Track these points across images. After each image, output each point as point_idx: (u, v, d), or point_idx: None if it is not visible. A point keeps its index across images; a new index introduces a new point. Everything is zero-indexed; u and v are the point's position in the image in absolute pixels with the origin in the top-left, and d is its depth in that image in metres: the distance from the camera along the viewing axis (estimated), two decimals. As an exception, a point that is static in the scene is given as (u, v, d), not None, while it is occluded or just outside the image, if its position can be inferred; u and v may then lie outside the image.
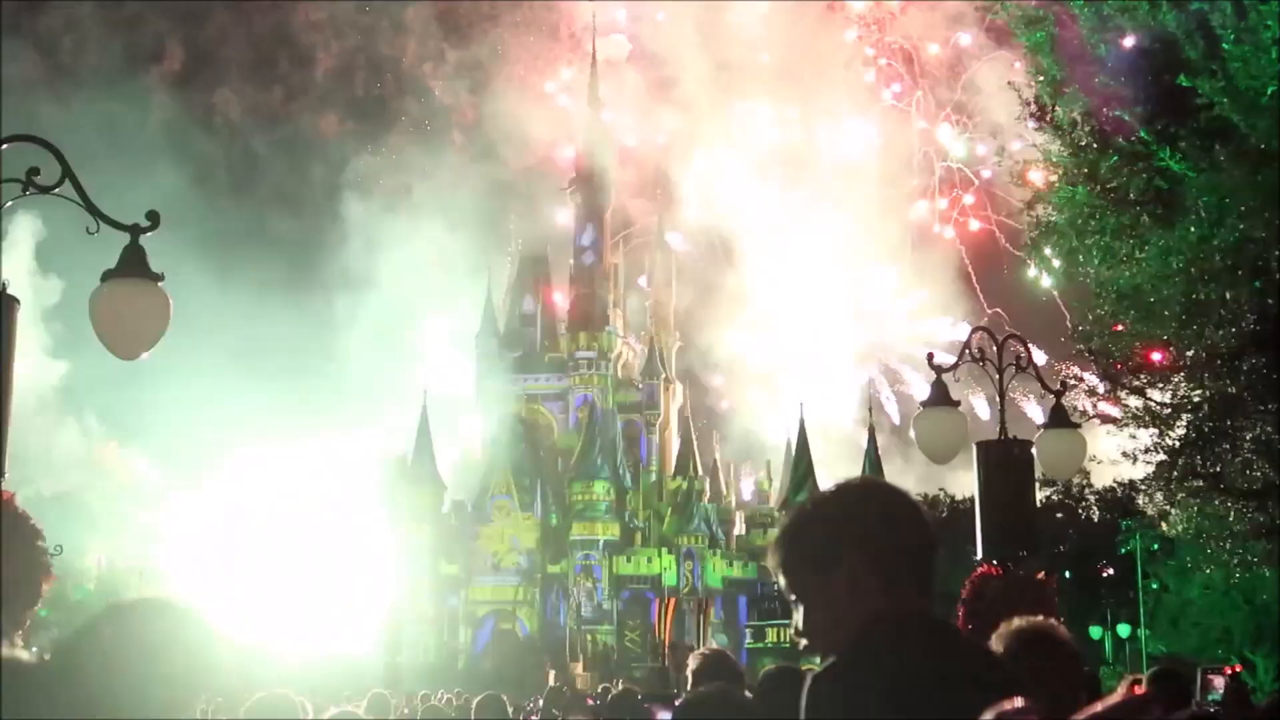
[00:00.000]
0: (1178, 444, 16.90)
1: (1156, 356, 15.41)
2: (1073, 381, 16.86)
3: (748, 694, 5.31)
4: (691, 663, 6.22)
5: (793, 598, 2.65)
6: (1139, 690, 5.79)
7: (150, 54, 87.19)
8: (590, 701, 25.40)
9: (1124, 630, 40.53)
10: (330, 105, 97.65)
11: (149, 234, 7.06)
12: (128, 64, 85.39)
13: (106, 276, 6.98)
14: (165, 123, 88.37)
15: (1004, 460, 10.02)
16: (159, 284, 7.08)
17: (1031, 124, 16.04)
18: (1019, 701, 2.18)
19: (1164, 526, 23.55)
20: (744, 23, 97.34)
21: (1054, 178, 15.99)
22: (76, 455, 78.96)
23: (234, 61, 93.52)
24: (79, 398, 78.52)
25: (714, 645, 68.67)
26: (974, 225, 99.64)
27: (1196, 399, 15.69)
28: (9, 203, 6.76)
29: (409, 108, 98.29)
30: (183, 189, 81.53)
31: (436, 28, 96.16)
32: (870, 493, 2.78)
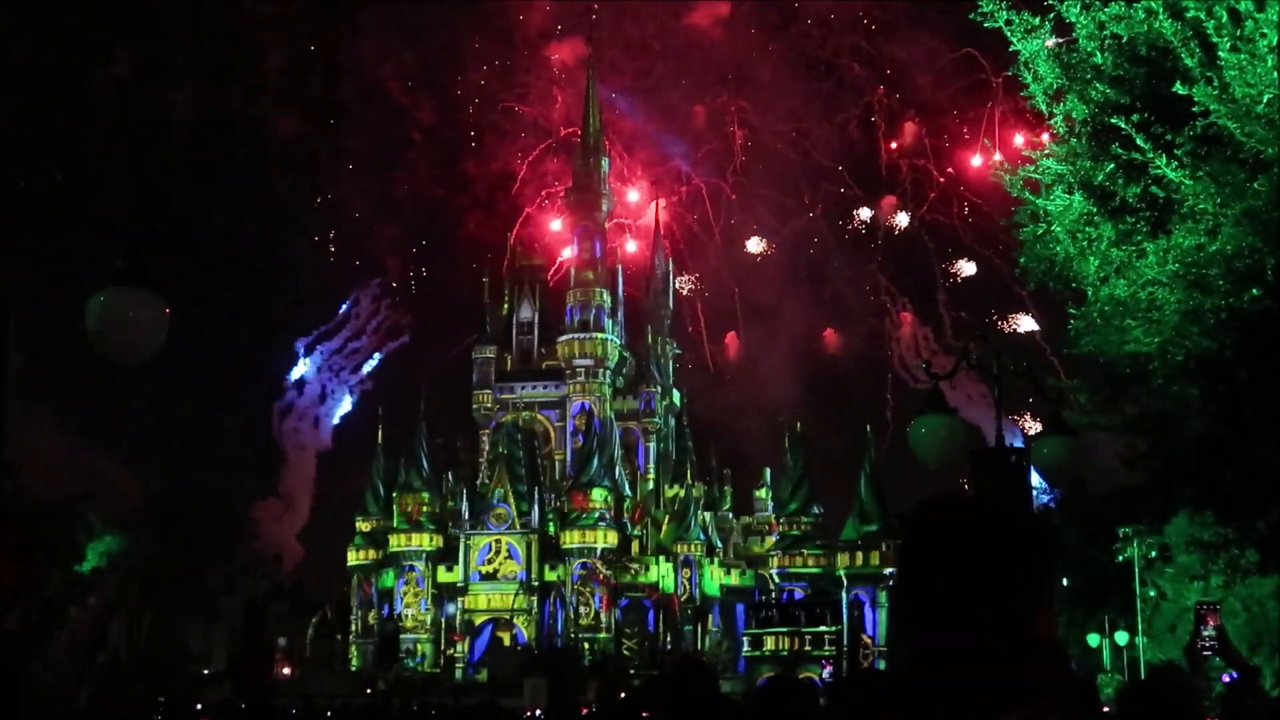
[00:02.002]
0: (1175, 451, 16.92)
1: (1154, 364, 15.41)
2: (1069, 388, 16.88)
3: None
4: (666, 670, 6.21)
5: None
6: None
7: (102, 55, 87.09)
8: (585, 711, 25.41)
9: (1122, 638, 40.50)
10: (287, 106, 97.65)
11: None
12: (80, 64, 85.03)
13: (106, 284, 6.97)
14: (114, 125, 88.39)
15: (1000, 468, 10.03)
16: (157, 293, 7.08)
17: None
18: None
19: (1162, 533, 23.56)
20: (702, 25, 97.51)
21: (1050, 184, 16.01)
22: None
23: (189, 62, 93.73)
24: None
25: (688, 652, 68.58)
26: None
27: (1194, 407, 15.70)
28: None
29: (370, 111, 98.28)
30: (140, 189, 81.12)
31: (395, 30, 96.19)
32: None
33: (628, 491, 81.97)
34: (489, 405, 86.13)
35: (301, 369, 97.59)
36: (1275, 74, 13.38)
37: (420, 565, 79.96)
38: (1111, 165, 14.87)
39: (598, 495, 78.19)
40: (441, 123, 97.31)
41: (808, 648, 70.00)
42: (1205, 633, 11.49)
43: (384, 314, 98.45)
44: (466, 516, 79.40)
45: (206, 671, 70.45)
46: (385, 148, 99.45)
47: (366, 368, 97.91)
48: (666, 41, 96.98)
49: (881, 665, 66.23)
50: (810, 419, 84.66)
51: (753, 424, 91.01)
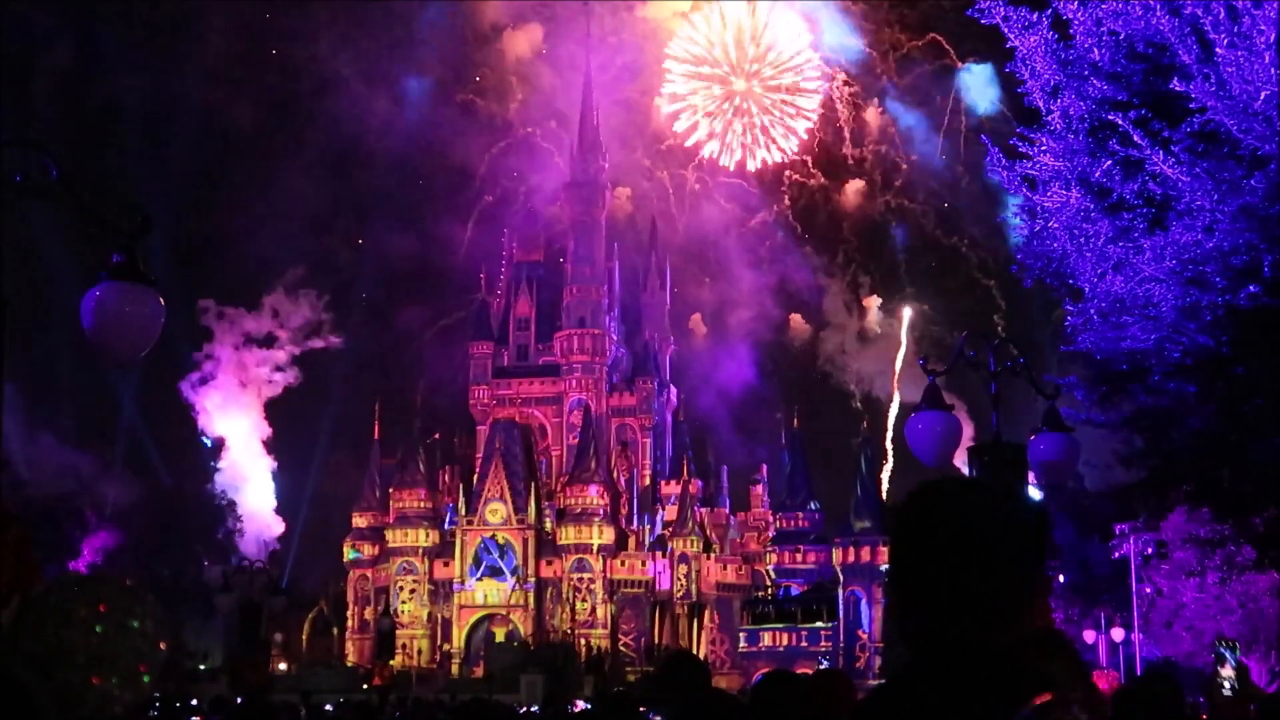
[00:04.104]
0: (1172, 448, 16.93)
1: (1151, 361, 15.41)
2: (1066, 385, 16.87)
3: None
4: (659, 665, 6.22)
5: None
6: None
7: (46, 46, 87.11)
8: (582, 706, 25.38)
9: (1118, 634, 40.57)
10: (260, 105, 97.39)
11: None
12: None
13: (101, 279, 6.94)
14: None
15: (997, 464, 10.00)
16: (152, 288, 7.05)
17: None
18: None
19: (1159, 530, 23.58)
20: (662, 19, 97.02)
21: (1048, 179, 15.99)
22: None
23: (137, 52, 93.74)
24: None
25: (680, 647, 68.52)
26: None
27: (1191, 403, 15.70)
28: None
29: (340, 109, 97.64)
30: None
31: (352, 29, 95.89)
32: None
33: (624, 487, 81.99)
34: (485, 401, 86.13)
35: (216, 348, 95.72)
36: (1272, 70, 13.37)
37: (417, 561, 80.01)
38: (1109, 161, 14.86)
39: (594, 491, 78.20)
40: (396, 115, 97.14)
41: (804, 644, 70.04)
42: (1225, 672, 11.40)
43: (310, 307, 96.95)
44: (463, 512, 79.40)
45: (202, 667, 70.42)
46: (339, 140, 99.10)
47: (287, 354, 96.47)
48: (622, 36, 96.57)
49: (878, 662, 66.33)
50: (789, 409, 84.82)
51: (724, 413, 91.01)
